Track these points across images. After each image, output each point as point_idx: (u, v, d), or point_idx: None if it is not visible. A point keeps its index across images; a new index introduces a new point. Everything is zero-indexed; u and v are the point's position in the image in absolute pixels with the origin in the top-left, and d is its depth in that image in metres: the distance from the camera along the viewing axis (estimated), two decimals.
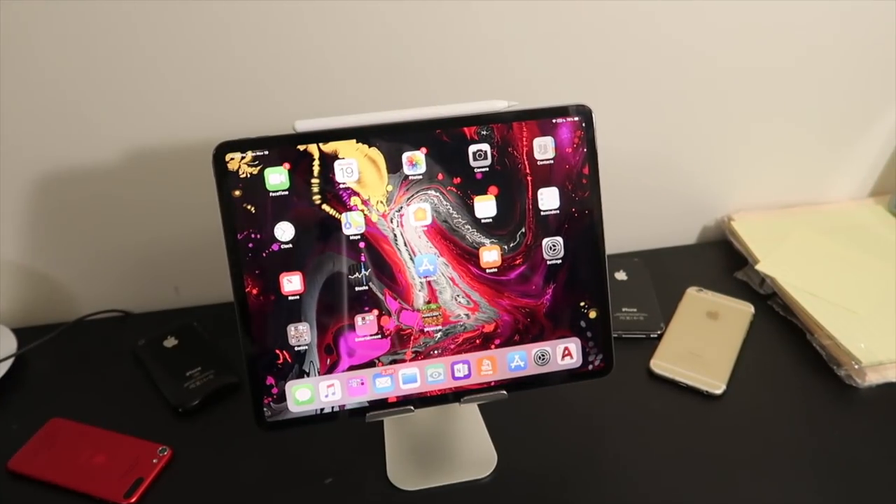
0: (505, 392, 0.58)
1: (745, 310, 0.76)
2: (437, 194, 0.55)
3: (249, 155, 0.52)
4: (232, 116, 0.71)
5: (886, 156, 0.90)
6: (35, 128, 0.69)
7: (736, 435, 0.64)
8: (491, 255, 0.56)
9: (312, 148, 0.53)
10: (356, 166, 0.54)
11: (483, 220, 0.55)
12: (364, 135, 0.54)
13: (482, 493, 0.60)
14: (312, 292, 0.54)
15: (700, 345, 0.72)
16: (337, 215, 0.54)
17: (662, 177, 0.85)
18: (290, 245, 0.54)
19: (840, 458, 0.61)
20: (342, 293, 0.55)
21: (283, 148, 0.53)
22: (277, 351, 0.55)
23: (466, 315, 0.57)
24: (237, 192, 0.52)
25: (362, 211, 0.54)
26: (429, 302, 0.56)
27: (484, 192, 0.55)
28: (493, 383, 0.58)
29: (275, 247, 0.54)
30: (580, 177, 0.56)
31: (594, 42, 0.73)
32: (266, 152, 0.52)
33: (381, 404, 0.57)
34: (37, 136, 0.69)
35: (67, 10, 0.63)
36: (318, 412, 0.56)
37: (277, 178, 0.53)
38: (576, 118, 0.55)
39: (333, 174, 0.53)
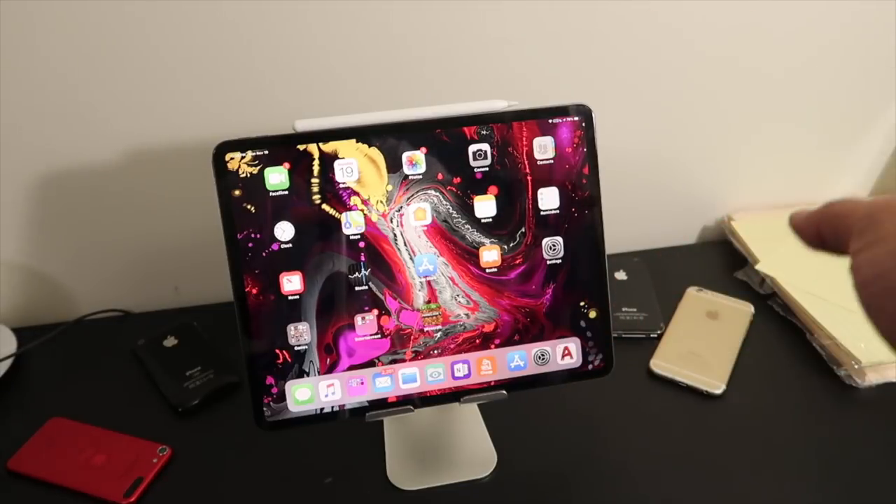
0: (505, 392, 0.58)
1: (745, 310, 0.76)
2: (437, 194, 0.55)
3: (249, 154, 0.52)
4: (232, 116, 0.71)
5: (886, 156, 0.90)
6: (35, 126, 0.69)
7: (736, 435, 0.64)
8: (491, 255, 0.56)
9: (312, 148, 0.53)
10: (356, 166, 0.54)
11: (483, 220, 0.55)
12: (364, 134, 0.54)
13: (482, 492, 0.60)
14: (312, 292, 0.54)
15: (700, 345, 0.72)
16: (337, 215, 0.54)
17: (663, 176, 0.85)
18: (290, 245, 0.54)
19: (840, 458, 0.61)
20: (342, 293, 0.55)
21: (282, 147, 0.53)
22: (277, 350, 0.55)
23: (466, 315, 0.57)
24: (237, 192, 0.53)
25: (362, 211, 0.54)
26: (429, 302, 0.56)
27: (484, 191, 0.55)
28: (492, 383, 0.58)
29: (275, 246, 0.54)
30: (580, 176, 0.56)
31: (594, 41, 0.73)
32: (266, 152, 0.52)
33: (380, 404, 0.57)
34: (37, 135, 0.69)
35: (68, 8, 0.63)
36: (318, 412, 0.56)
37: (277, 178, 0.53)
38: (576, 118, 0.55)
39: (333, 174, 0.53)
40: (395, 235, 0.55)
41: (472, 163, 0.55)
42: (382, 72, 0.71)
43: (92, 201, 0.74)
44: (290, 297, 0.54)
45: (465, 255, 0.56)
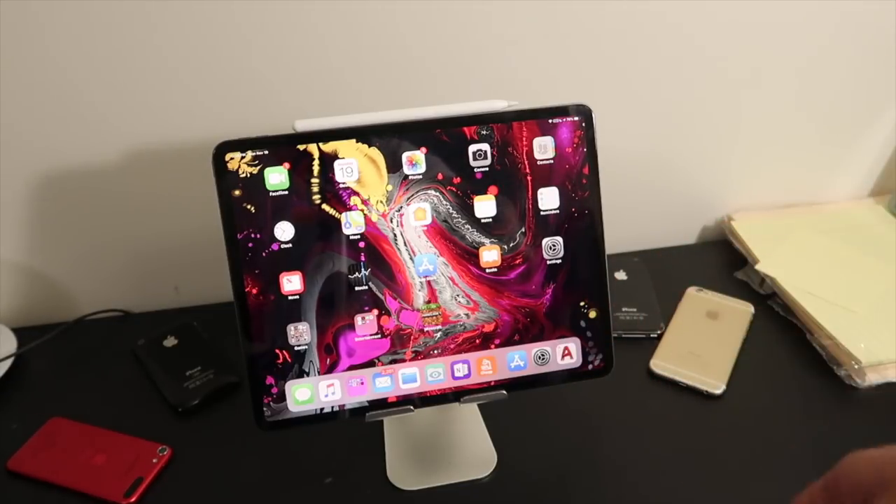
0: (505, 392, 0.58)
1: (745, 310, 0.76)
2: (437, 194, 0.55)
3: (249, 154, 0.52)
4: (232, 116, 0.71)
5: (886, 156, 0.90)
6: (35, 126, 0.69)
7: (736, 435, 0.64)
8: (491, 255, 0.56)
9: (312, 147, 0.53)
10: (356, 166, 0.54)
11: (483, 220, 0.55)
12: (364, 134, 0.54)
13: (482, 493, 0.60)
14: (312, 292, 0.54)
15: (700, 345, 0.72)
16: (337, 215, 0.54)
17: (662, 177, 0.85)
18: (290, 245, 0.54)
19: (840, 459, 0.61)
20: (342, 293, 0.55)
21: (282, 147, 0.53)
22: (277, 350, 0.55)
23: (466, 315, 0.56)
24: (237, 192, 0.53)
25: (362, 211, 0.54)
26: (428, 302, 0.56)
27: (484, 191, 0.55)
28: (492, 383, 0.58)
29: (274, 246, 0.54)
30: (580, 176, 0.56)
31: (595, 42, 0.73)
32: (266, 152, 0.52)
33: (380, 404, 0.57)
34: (37, 134, 0.69)
35: (68, 8, 0.63)
36: (318, 412, 0.56)
37: (277, 178, 0.53)
38: (576, 118, 0.55)
39: (333, 174, 0.53)
40: (395, 235, 0.55)
41: (472, 163, 0.55)
42: (383, 71, 0.71)
43: (92, 201, 0.74)
44: (290, 297, 0.54)
45: (465, 255, 0.56)
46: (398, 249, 0.55)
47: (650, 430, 0.64)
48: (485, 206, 0.55)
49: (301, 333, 0.55)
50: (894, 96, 0.83)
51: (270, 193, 0.53)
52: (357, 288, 0.55)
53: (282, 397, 0.55)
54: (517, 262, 0.56)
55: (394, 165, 0.54)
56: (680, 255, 0.88)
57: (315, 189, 0.53)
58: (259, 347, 0.54)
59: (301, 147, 0.53)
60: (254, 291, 0.54)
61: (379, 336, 0.56)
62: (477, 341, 0.57)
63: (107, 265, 0.79)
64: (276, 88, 0.70)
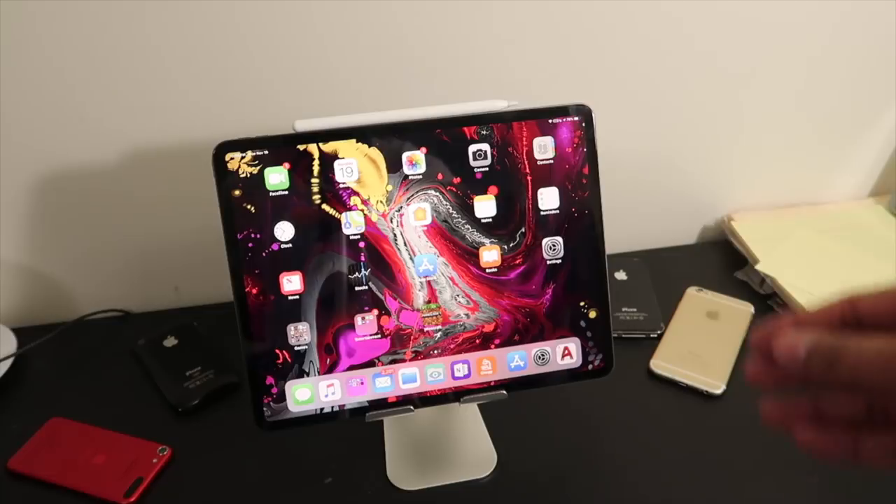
0: (505, 392, 0.58)
1: (745, 310, 0.76)
2: (437, 194, 0.55)
3: (249, 154, 0.52)
4: (232, 116, 0.71)
5: (886, 156, 0.90)
6: (35, 126, 0.69)
7: (735, 435, 0.64)
8: (491, 255, 0.56)
9: (312, 148, 0.53)
10: (356, 166, 0.54)
11: (483, 220, 0.55)
12: (364, 134, 0.54)
13: (482, 492, 0.60)
14: (312, 292, 0.54)
15: (700, 345, 0.72)
16: (337, 215, 0.54)
17: (662, 177, 0.85)
18: (290, 245, 0.54)
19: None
20: (342, 293, 0.55)
21: (282, 148, 0.53)
22: (277, 350, 0.55)
23: (466, 315, 0.56)
24: (237, 192, 0.53)
25: (362, 211, 0.54)
26: (428, 302, 0.56)
27: (484, 191, 0.55)
28: (492, 383, 0.58)
29: (274, 246, 0.54)
30: (580, 176, 0.56)
31: (595, 42, 0.73)
32: (266, 152, 0.52)
33: (380, 404, 0.57)
34: (37, 134, 0.69)
35: (68, 8, 0.63)
36: (318, 412, 0.56)
37: (277, 178, 0.53)
38: (576, 118, 0.55)
39: (333, 174, 0.53)
40: (395, 235, 0.55)
41: (472, 163, 0.55)
42: (383, 72, 0.71)
43: (92, 201, 0.74)
44: (290, 297, 0.54)
45: (465, 255, 0.56)
46: (398, 249, 0.55)
47: (650, 430, 0.64)
48: (485, 206, 0.55)
49: (301, 333, 0.55)
50: (894, 96, 0.83)
51: (270, 193, 0.53)
52: (357, 288, 0.55)
53: (282, 397, 0.55)
54: (517, 262, 0.56)
55: (394, 165, 0.54)
56: (680, 255, 0.88)
57: (315, 189, 0.53)
58: (259, 347, 0.54)
59: (301, 147, 0.53)
60: (254, 291, 0.54)
61: (379, 336, 0.56)
62: (477, 341, 0.57)
63: (107, 265, 0.79)
64: (276, 88, 0.70)
